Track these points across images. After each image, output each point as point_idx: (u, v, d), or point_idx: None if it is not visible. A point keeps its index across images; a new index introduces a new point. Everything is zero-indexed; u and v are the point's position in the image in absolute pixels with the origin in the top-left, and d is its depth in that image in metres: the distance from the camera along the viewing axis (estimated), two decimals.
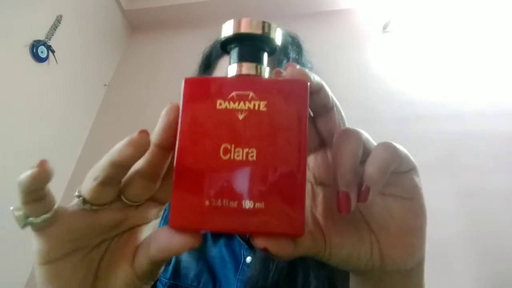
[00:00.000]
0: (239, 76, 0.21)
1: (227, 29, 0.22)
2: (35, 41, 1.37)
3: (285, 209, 0.19)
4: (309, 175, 0.24)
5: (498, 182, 1.13)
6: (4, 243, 1.23)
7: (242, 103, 0.20)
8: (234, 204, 0.19)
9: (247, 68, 0.21)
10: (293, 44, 0.51)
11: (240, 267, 0.44)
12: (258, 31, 0.21)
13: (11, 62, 1.29)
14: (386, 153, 0.20)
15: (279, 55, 0.46)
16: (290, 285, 0.40)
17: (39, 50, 1.37)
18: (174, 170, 0.19)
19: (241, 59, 0.21)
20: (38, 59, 1.38)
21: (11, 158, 1.28)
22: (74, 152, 1.59)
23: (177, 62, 1.63)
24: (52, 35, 1.44)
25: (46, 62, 1.41)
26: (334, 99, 0.22)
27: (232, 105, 0.20)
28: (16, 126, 1.31)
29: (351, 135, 0.21)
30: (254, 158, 0.19)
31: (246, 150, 0.19)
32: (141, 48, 1.85)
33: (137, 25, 1.90)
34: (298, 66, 0.21)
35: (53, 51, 1.43)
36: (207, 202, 0.19)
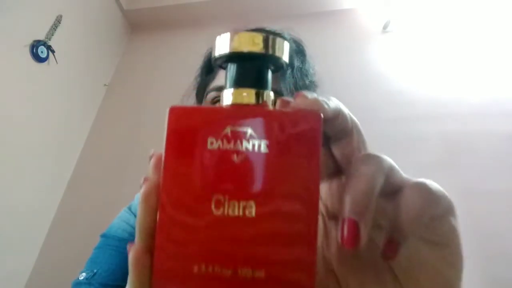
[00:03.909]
0: (235, 106, 0.17)
1: (222, 45, 0.18)
2: (35, 41, 1.37)
3: (290, 279, 0.16)
4: (321, 207, 0.21)
5: (498, 182, 1.13)
6: (4, 243, 1.23)
7: (238, 142, 0.16)
8: (228, 272, 0.16)
9: (246, 95, 0.17)
10: (298, 52, 0.49)
11: None
12: (260, 48, 0.17)
13: (11, 62, 1.29)
14: (421, 198, 0.17)
15: None
16: None
17: (39, 50, 1.37)
18: (157, 224, 0.16)
19: (239, 83, 0.18)
20: (38, 59, 1.38)
21: (11, 158, 1.28)
22: (74, 152, 1.58)
23: (177, 62, 1.63)
24: (52, 35, 1.44)
25: (46, 62, 1.41)
26: (354, 120, 0.19)
27: (226, 145, 0.16)
28: (16, 126, 1.31)
29: (371, 159, 0.17)
30: (253, 213, 0.16)
31: (243, 203, 0.16)
32: (141, 48, 1.85)
33: (137, 25, 1.90)
34: (309, 95, 0.17)
35: (53, 51, 1.43)
36: (195, 268, 0.16)
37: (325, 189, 0.21)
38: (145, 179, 0.17)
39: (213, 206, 0.16)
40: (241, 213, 0.16)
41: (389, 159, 0.18)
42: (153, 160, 0.18)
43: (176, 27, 1.80)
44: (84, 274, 0.40)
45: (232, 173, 0.16)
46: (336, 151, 0.20)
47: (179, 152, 0.16)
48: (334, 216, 0.20)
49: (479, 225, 1.08)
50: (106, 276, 0.39)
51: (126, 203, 0.51)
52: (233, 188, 0.16)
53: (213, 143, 0.16)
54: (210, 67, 0.51)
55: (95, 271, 0.40)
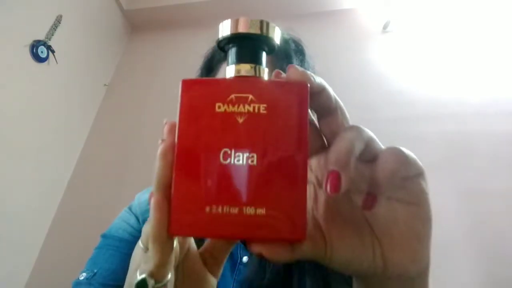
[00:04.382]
0: (237, 78, 0.21)
1: (225, 29, 0.21)
2: (35, 41, 1.37)
3: (287, 214, 0.19)
4: (311, 177, 0.24)
5: (498, 182, 1.13)
6: (4, 243, 1.23)
7: (241, 105, 0.19)
8: (235, 210, 0.19)
9: (246, 69, 0.21)
10: (297, 51, 0.50)
11: (237, 266, 0.44)
12: (257, 30, 0.21)
13: (11, 62, 1.29)
14: (395, 159, 0.20)
15: (282, 62, 0.46)
16: (285, 284, 0.40)
17: (39, 50, 1.37)
18: (174, 174, 0.19)
19: (239, 60, 0.21)
20: (38, 59, 1.38)
21: (11, 158, 1.28)
22: (74, 152, 1.59)
23: (177, 62, 1.63)
24: (52, 35, 1.44)
25: (46, 62, 1.41)
26: (338, 100, 0.22)
27: (231, 108, 0.19)
28: (16, 126, 1.31)
29: (353, 128, 0.21)
30: (255, 162, 0.19)
31: (246, 154, 0.19)
32: (141, 48, 1.85)
33: (137, 25, 1.90)
34: (299, 68, 0.20)
35: (53, 51, 1.43)
36: (207, 209, 0.19)
37: (315, 162, 0.23)
38: (162, 141, 0.20)
39: (221, 157, 0.19)
40: (244, 162, 0.19)
41: (369, 131, 0.21)
42: (167, 126, 0.20)
43: (176, 27, 1.80)
44: (84, 274, 0.40)
45: (237, 131, 0.19)
46: (324, 127, 0.22)
47: (191, 115, 0.20)
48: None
49: (479, 225, 1.08)
50: (107, 276, 0.39)
51: (126, 203, 0.51)
52: (238, 143, 0.19)
53: (220, 107, 0.19)
54: (211, 66, 0.52)
55: (95, 271, 0.40)
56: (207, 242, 0.25)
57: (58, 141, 1.49)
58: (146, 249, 0.21)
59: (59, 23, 1.47)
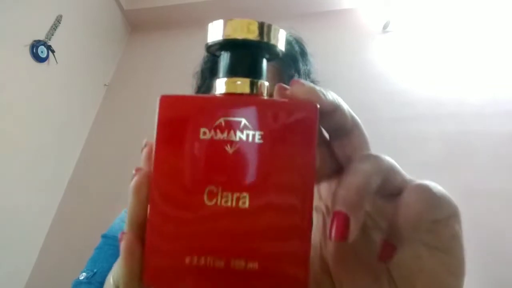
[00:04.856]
0: (229, 95, 0.17)
1: (215, 32, 0.17)
2: (35, 41, 1.37)
3: (284, 271, 0.15)
4: (321, 205, 0.20)
5: (498, 182, 1.13)
6: (4, 243, 1.23)
7: (232, 132, 0.15)
8: (220, 263, 0.15)
9: (240, 84, 0.17)
10: (302, 54, 0.48)
11: None
12: (255, 36, 0.16)
13: (11, 62, 1.29)
14: (421, 201, 0.16)
15: (289, 70, 0.42)
16: None
17: (39, 50, 1.37)
18: (148, 214, 0.16)
19: (232, 72, 0.17)
20: (38, 59, 1.38)
21: (11, 158, 1.28)
22: (74, 152, 1.59)
23: (177, 62, 1.63)
24: (52, 35, 1.44)
25: (46, 62, 1.41)
26: (355, 118, 0.18)
27: (219, 135, 0.15)
28: (16, 126, 1.31)
29: (370, 158, 0.17)
30: (247, 204, 0.15)
31: (236, 194, 0.15)
32: (141, 48, 1.85)
33: (137, 25, 1.90)
34: (306, 83, 0.17)
35: (53, 51, 1.43)
36: (187, 260, 0.15)
37: (326, 187, 0.20)
38: (137, 170, 0.17)
39: (205, 197, 0.15)
40: (234, 204, 0.15)
41: (391, 160, 0.17)
42: (145, 150, 0.17)
43: (176, 27, 1.80)
44: (84, 273, 0.40)
45: (225, 164, 0.16)
46: (337, 150, 0.19)
47: (170, 143, 0.16)
48: None
49: (479, 225, 1.08)
50: (107, 276, 0.39)
51: (126, 203, 0.51)
52: (226, 179, 0.16)
53: (206, 133, 0.16)
54: (214, 70, 0.50)
55: (95, 270, 0.40)
56: None
57: (58, 141, 1.49)
58: None
59: (59, 23, 1.47)
